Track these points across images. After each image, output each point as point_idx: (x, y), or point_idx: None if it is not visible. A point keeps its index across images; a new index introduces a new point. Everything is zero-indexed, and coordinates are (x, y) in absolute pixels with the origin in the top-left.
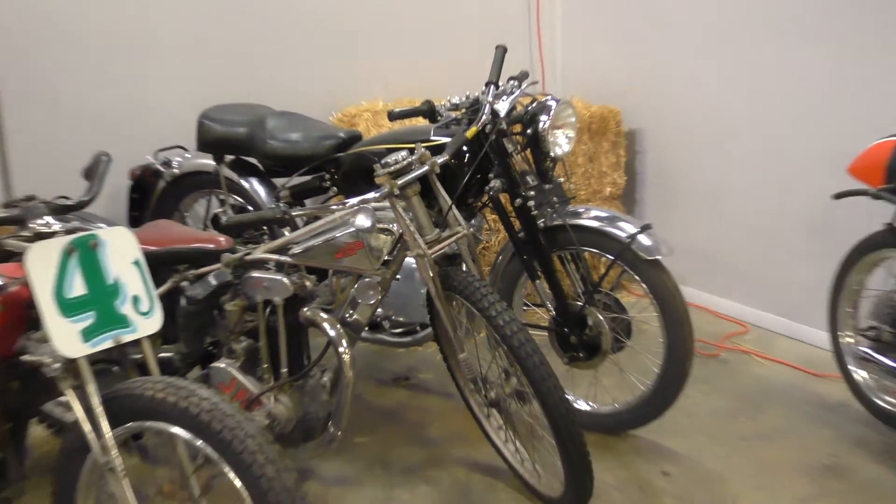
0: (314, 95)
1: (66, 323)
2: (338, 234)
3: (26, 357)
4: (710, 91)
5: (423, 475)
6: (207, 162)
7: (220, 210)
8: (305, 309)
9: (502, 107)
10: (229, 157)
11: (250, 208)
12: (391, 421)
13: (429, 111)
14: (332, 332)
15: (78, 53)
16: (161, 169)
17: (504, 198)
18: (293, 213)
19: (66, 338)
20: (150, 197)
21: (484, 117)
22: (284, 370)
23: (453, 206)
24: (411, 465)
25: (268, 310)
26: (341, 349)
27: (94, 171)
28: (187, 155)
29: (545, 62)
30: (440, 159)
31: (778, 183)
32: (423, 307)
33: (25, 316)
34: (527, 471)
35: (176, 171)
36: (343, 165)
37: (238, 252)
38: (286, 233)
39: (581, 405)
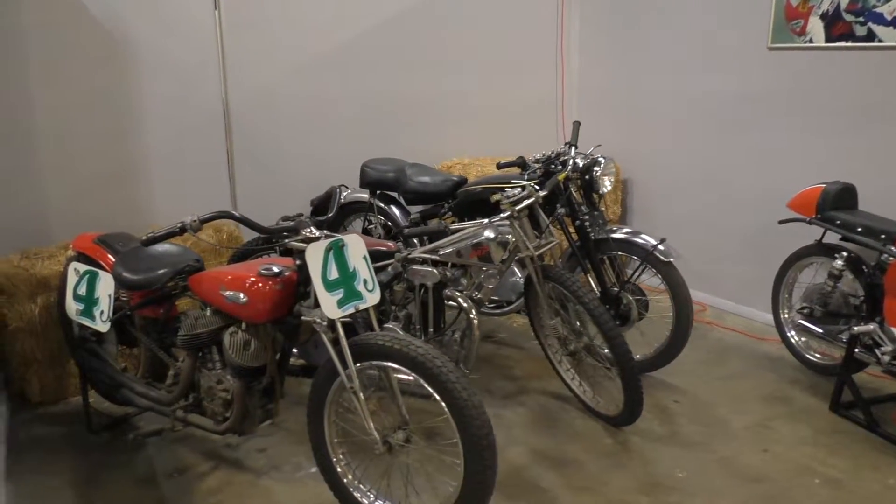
0: (424, 151)
1: (328, 296)
2: (472, 241)
3: (304, 318)
4: (683, 154)
5: (517, 400)
6: (361, 195)
7: (405, 224)
8: (447, 290)
9: (579, 161)
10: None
11: (390, 224)
12: (488, 364)
13: (522, 163)
14: (465, 304)
15: (284, 122)
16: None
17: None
18: (450, 228)
19: (329, 306)
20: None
21: (570, 166)
22: (431, 330)
23: (549, 224)
24: (507, 393)
25: (422, 290)
26: (472, 316)
27: (333, 198)
28: (348, 190)
29: (567, 134)
30: (542, 193)
31: (727, 213)
32: (511, 291)
33: (294, 291)
34: (588, 398)
35: (342, 200)
36: (457, 198)
37: (404, 252)
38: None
39: None
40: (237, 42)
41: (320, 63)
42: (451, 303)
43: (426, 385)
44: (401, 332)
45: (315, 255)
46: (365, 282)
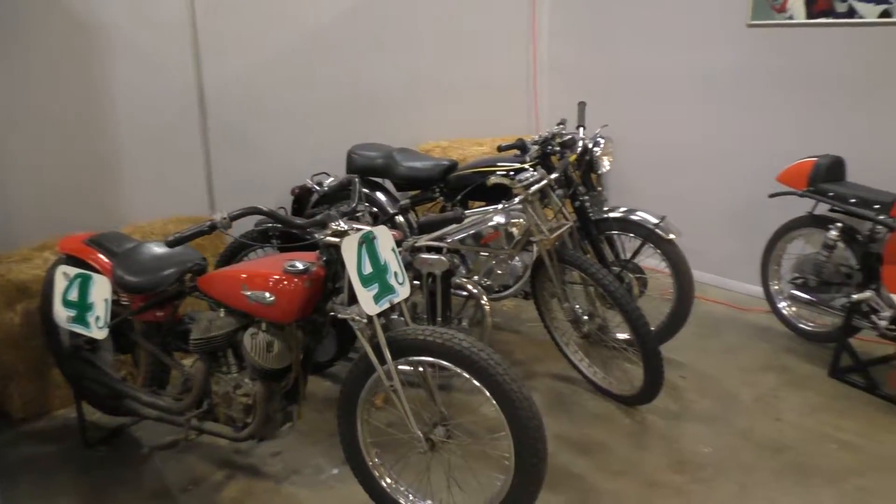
0: (400, 136)
1: (365, 291)
2: (483, 227)
3: (340, 315)
4: (662, 130)
5: (525, 385)
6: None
7: (394, 212)
8: (455, 278)
9: (589, 143)
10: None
11: (376, 211)
12: None
13: (522, 145)
14: (475, 291)
15: (260, 111)
16: (315, 187)
17: None
18: (465, 214)
19: (367, 302)
20: (306, 206)
21: (580, 148)
22: (439, 318)
23: (563, 207)
24: None
25: (430, 279)
26: (483, 302)
27: (353, 187)
28: (331, 178)
29: (539, 114)
30: (553, 175)
31: (706, 189)
32: (509, 275)
33: (322, 288)
34: (599, 379)
35: (326, 188)
36: (450, 183)
37: (411, 240)
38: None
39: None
40: (211, 27)
41: (294, 48)
42: (458, 291)
43: (473, 380)
44: (410, 325)
45: (350, 249)
46: (396, 274)
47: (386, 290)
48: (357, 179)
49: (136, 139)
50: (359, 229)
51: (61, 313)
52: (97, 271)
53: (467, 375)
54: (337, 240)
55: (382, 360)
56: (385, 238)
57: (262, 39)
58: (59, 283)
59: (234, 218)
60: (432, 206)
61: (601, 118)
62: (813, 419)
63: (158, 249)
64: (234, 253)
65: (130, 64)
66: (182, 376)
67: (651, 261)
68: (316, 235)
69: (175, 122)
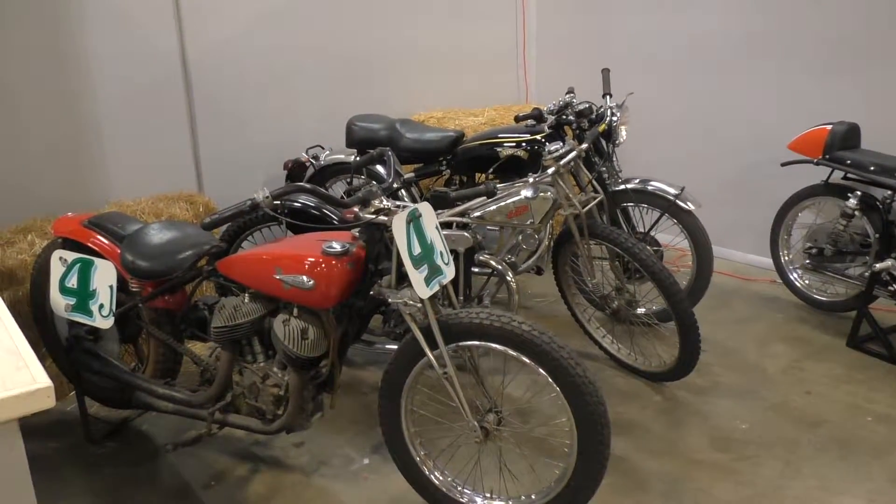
0: (393, 106)
1: (417, 273)
2: (510, 201)
3: (392, 299)
4: (660, 97)
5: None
6: (341, 156)
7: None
8: (478, 255)
9: (616, 111)
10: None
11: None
12: None
13: (539, 115)
14: (500, 268)
15: (247, 79)
16: (311, 161)
17: None
18: (497, 188)
19: (419, 284)
20: (300, 181)
21: (608, 117)
22: (461, 297)
23: (593, 179)
24: None
25: (452, 256)
26: (509, 278)
27: (387, 162)
28: (327, 151)
29: (529, 84)
30: (583, 146)
31: (706, 157)
32: (529, 252)
33: (364, 270)
34: (624, 356)
35: (322, 162)
36: (458, 155)
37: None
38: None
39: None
40: None
41: (282, 16)
42: (479, 268)
43: (531, 364)
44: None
45: (400, 229)
46: (441, 254)
47: (435, 271)
48: (390, 152)
49: (117, 113)
50: (404, 206)
51: (59, 302)
52: (99, 255)
53: (528, 361)
54: (386, 218)
55: (432, 345)
56: (429, 216)
57: (247, 6)
58: (56, 270)
59: (276, 197)
60: (437, 179)
61: (593, 87)
62: (842, 391)
63: (169, 231)
64: (237, 234)
65: (107, 31)
66: (199, 366)
67: (661, 235)
68: (361, 214)
69: (158, 94)
